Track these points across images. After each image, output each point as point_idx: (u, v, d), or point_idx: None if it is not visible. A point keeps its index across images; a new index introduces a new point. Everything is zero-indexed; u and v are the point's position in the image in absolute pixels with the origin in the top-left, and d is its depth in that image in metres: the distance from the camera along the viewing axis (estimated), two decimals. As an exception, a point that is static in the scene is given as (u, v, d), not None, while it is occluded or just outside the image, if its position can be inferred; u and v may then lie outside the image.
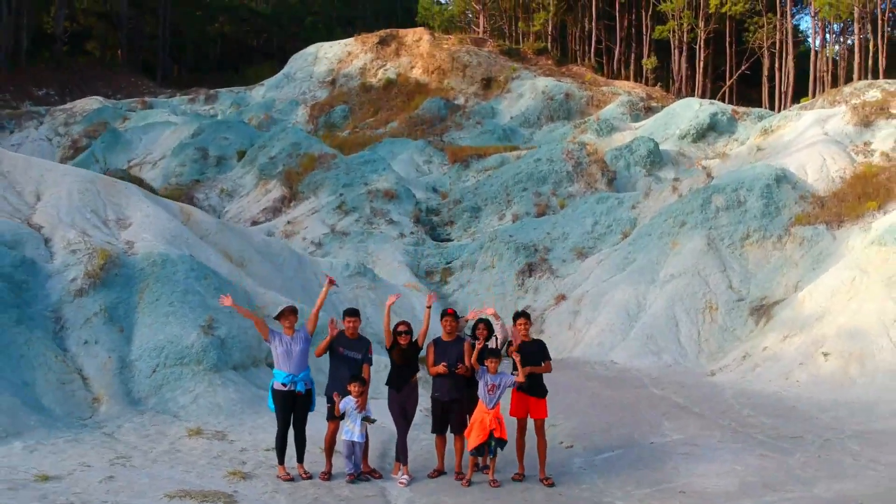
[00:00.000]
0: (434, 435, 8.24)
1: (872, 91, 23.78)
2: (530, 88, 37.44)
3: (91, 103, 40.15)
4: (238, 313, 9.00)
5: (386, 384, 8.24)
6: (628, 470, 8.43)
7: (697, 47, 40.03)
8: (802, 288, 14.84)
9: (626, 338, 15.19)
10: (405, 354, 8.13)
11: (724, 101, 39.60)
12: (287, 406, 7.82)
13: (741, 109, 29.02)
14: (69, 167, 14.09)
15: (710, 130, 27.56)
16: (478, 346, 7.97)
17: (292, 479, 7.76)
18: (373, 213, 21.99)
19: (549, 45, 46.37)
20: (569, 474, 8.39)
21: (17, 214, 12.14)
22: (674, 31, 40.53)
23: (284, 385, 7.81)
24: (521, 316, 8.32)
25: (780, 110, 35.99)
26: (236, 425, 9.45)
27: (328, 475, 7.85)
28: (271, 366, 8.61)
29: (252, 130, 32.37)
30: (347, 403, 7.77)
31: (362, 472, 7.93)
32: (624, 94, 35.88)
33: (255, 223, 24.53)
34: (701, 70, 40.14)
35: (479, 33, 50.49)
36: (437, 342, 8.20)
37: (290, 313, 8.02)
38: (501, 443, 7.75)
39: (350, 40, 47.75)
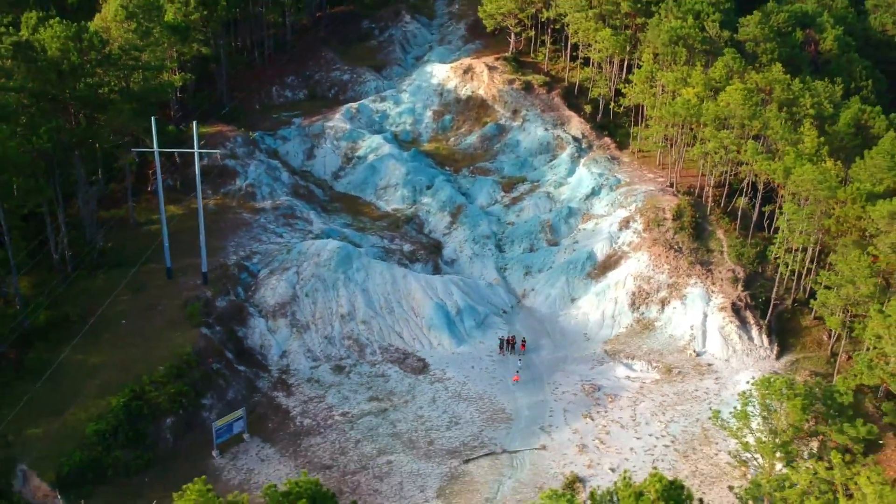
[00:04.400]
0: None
1: (638, 203, 77.35)
2: (536, 133, 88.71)
3: (341, 123, 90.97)
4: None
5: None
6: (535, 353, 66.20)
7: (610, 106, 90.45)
8: (582, 297, 71.46)
9: (546, 301, 72.09)
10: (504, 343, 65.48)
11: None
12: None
13: (605, 182, 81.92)
14: (439, 279, 69.81)
15: (592, 194, 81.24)
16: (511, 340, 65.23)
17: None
18: (483, 244, 77.40)
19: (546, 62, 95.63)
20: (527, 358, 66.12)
21: (435, 296, 68.52)
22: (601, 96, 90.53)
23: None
24: (522, 339, 65.44)
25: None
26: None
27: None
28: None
29: (430, 172, 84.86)
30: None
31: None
32: (572, 142, 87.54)
33: (444, 234, 79.66)
34: (612, 116, 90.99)
35: (509, 48, 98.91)
36: (507, 339, 65.39)
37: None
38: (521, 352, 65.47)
39: (447, 67, 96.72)
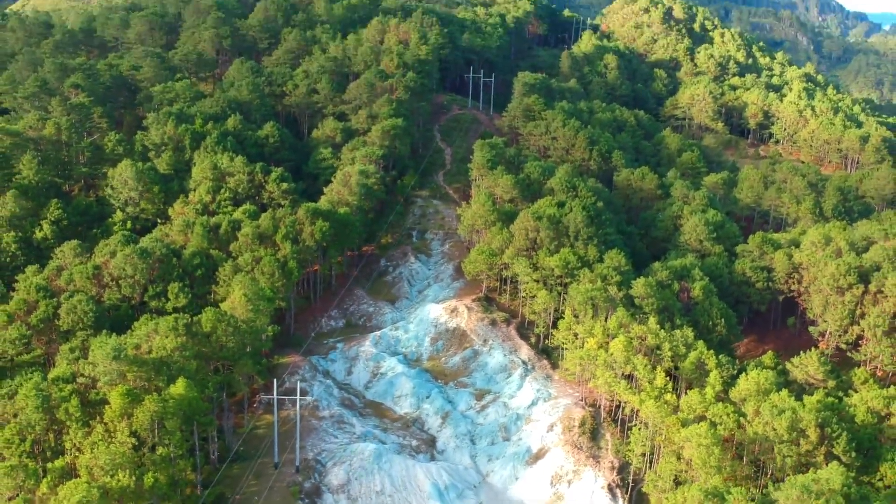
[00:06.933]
0: None
1: (559, 413, 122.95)
2: (498, 358, 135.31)
3: (370, 348, 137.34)
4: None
5: None
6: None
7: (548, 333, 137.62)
8: (522, 477, 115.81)
9: (501, 479, 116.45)
10: None
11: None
12: None
13: (541, 395, 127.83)
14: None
15: (532, 404, 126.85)
16: None
17: None
18: (462, 439, 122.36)
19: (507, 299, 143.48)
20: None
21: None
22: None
23: None
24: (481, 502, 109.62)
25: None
26: None
27: None
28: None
29: (428, 385, 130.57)
30: None
31: None
32: (521, 364, 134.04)
33: (437, 431, 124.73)
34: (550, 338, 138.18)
35: (483, 289, 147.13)
36: None
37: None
38: None
39: (440, 307, 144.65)
